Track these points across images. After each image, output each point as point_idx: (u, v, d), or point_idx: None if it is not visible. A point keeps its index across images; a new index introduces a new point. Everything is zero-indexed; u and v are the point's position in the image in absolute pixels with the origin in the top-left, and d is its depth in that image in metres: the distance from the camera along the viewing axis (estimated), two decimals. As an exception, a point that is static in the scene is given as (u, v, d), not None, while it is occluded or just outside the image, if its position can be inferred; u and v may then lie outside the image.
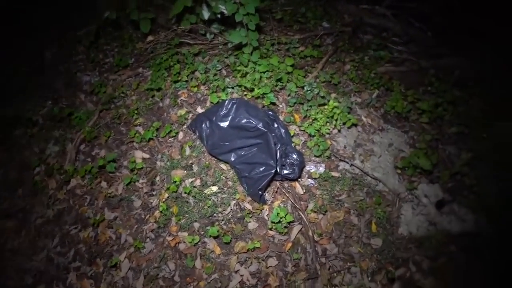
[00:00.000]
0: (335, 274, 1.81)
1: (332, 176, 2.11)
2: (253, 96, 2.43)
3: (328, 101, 2.29)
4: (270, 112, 2.28)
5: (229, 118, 2.15)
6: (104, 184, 2.26)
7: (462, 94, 2.56)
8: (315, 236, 1.90)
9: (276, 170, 1.99)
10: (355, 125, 2.33)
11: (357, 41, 3.02)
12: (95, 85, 2.78)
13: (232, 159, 2.10)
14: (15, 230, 2.23)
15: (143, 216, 2.11)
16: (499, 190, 2.10)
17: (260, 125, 2.05)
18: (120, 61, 2.89)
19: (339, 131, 2.31)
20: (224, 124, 2.15)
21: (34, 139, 2.64)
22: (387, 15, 3.19)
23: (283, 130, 2.18)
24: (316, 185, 2.10)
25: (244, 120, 2.08)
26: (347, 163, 2.17)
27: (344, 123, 2.27)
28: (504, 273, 1.86)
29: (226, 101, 2.18)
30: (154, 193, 2.18)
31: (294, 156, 2.03)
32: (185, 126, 2.40)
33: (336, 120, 2.26)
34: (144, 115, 2.53)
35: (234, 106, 2.15)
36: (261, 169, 2.00)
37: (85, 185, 2.29)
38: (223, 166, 2.20)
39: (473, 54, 2.83)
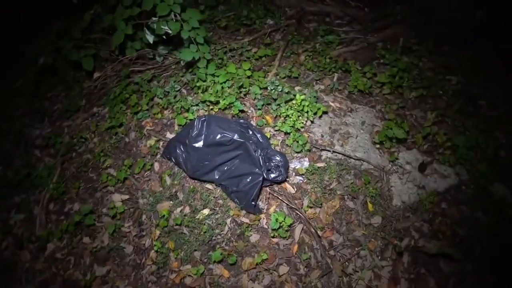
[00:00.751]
0: (346, 263, 1.81)
1: (318, 167, 2.11)
2: (220, 109, 2.37)
3: (294, 95, 2.30)
4: (242, 120, 2.24)
5: (202, 137, 2.07)
6: (86, 239, 2.08)
7: (411, 59, 2.71)
8: (318, 231, 1.90)
9: (263, 176, 1.95)
10: (325, 112, 2.36)
11: (305, 31, 3.08)
12: (48, 137, 2.55)
13: (217, 177, 2.03)
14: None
15: (138, 261, 1.97)
16: (467, 138, 2.24)
17: (235, 137, 2.01)
18: (70, 105, 2.69)
19: (312, 122, 2.33)
20: (199, 144, 2.07)
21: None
22: (325, 0, 3.30)
23: (259, 135, 2.14)
24: (305, 180, 2.09)
25: (219, 136, 2.02)
26: (329, 151, 2.19)
27: (315, 113, 2.29)
28: (493, 213, 1.99)
29: (195, 121, 2.10)
30: (144, 233, 2.04)
31: (277, 158, 2.00)
32: (158, 156, 2.28)
33: (307, 112, 2.27)
34: (112, 155, 2.37)
35: (205, 123, 2.08)
36: (248, 179, 1.96)
37: (65, 246, 2.09)
38: (209, 186, 2.12)
39: (406, 19, 3.00)
